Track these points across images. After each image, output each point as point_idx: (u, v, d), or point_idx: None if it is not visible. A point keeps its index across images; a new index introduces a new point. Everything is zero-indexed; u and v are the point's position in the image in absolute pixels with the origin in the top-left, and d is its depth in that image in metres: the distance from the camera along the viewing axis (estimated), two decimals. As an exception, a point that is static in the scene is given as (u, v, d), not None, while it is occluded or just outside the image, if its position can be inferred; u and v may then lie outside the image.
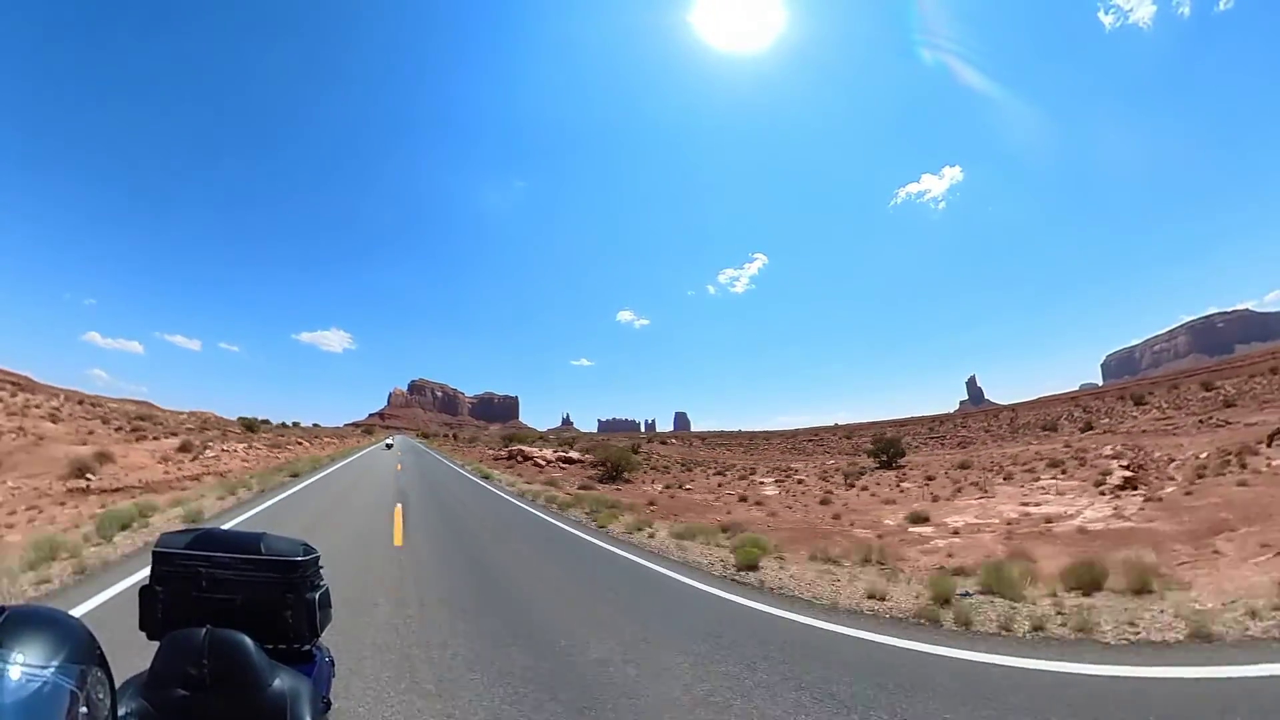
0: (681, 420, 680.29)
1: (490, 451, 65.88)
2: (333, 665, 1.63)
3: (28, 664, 0.80)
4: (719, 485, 36.34)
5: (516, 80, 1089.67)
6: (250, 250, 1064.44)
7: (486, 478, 31.92)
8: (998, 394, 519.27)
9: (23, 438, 28.53)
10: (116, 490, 20.13)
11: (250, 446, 42.11)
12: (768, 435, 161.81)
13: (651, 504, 22.48)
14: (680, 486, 34.38)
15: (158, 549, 1.45)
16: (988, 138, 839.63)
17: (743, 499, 27.99)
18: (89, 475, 22.32)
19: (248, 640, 1.27)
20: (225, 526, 1.54)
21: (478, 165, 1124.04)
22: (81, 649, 0.88)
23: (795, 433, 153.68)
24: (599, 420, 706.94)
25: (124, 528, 9.98)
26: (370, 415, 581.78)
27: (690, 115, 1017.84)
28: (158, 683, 1.22)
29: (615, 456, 37.82)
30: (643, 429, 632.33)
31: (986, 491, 25.90)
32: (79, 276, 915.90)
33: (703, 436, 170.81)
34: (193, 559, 1.41)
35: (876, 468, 43.96)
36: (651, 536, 12.05)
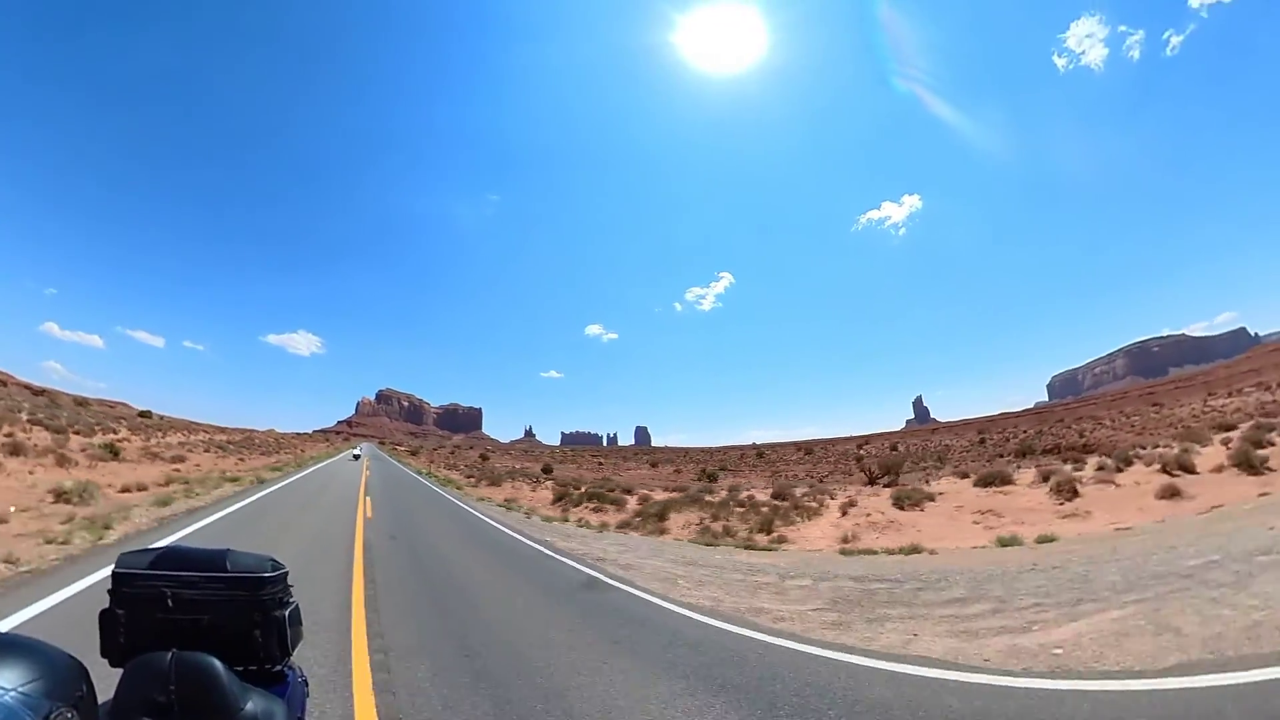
0: (642, 435, 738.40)
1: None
2: (306, 685, 1.59)
3: None
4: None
5: (495, 94, 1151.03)
6: (221, 248, 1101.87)
7: (387, 453, 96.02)
8: (943, 413, 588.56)
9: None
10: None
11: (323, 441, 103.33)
12: (655, 452, 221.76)
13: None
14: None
15: (118, 569, 1.41)
16: (947, 167, 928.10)
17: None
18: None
19: (216, 663, 1.27)
20: (189, 543, 1.55)
21: (452, 177, 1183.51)
22: (56, 684, 0.90)
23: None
24: (562, 433, 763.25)
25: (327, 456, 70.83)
26: (338, 423, 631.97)
27: (666, 134, 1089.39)
28: (122, 712, 1.20)
29: (411, 447, 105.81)
30: (605, 442, 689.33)
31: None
32: (41, 265, 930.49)
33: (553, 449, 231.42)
34: (155, 579, 1.40)
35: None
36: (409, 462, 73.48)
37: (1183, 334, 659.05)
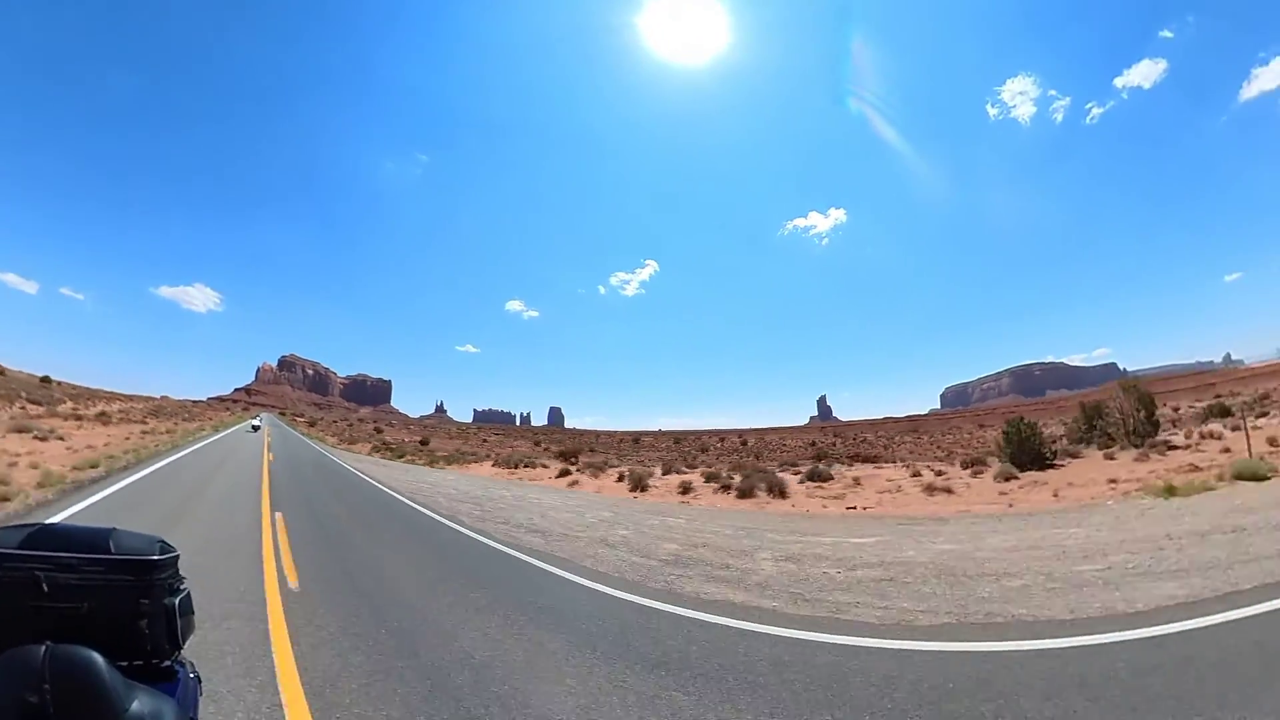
0: (555, 415, 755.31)
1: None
2: (199, 682, 1.43)
3: None
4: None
5: (438, 45, 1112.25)
6: (110, 183, 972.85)
7: (286, 423, 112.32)
8: (846, 413, 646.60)
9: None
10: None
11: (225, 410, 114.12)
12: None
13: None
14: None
15: None
16: (875, 187, 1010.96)
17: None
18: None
19: (97, 657, 1.12)
20: (67, 521, 1.54)
21: (382, 129, 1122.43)
22: None
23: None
24: (475, 410, 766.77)
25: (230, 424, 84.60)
26: (236, 390, 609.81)
27: (610, 114, 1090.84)
28: None
29: (310, 418, 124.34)
30: (518, 421, 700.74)
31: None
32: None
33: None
34: (28, 560, 1.23)
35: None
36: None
37: (1061, 362, 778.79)
